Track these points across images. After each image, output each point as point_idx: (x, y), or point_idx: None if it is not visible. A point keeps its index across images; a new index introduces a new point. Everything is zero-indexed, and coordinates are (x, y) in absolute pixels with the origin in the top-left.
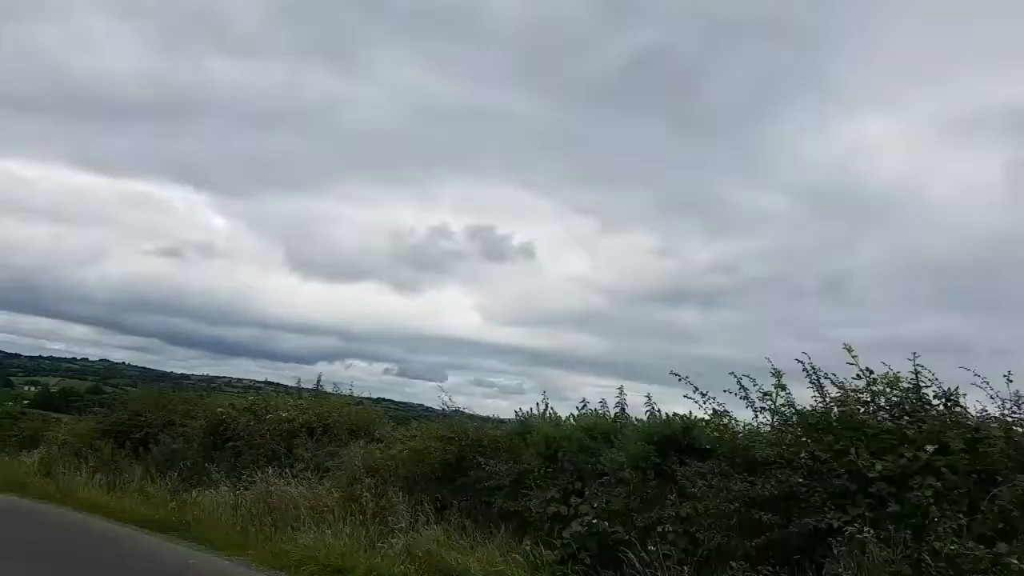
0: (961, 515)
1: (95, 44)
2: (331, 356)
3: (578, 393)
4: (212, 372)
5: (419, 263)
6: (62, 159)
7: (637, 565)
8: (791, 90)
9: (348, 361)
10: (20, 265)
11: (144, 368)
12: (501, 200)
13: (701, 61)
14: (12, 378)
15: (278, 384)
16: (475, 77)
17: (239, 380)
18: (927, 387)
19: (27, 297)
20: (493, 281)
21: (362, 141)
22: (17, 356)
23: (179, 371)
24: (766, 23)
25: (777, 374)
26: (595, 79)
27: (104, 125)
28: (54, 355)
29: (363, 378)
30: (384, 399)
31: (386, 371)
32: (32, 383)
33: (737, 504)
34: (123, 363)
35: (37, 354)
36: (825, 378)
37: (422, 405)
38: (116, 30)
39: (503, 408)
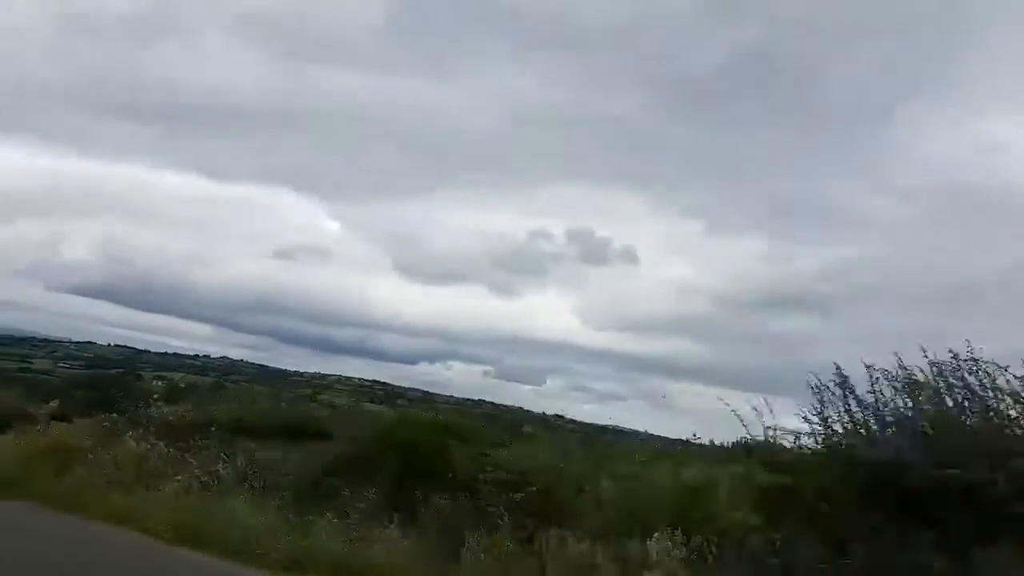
0: None
1: (211, 56)
2: (431, 357)
3: (679, 401)
4: (321, 370)
5: (518, 266)
6: (182, 165)
7: None
8: (910, 89)
9: (448, 363)
10: (145, 266)
11: (260, 365)
12: (602, 203)
13: (810, 59)
14: (142, 373)
15: (385, 384)
16: (575, 79)
17: (348, 379)
18: None
19: (152, 296)
20: (592, 285)
21: (464, 147)
22: (145, 352)
23: (292, 368)
24: (879, 21)
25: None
26: (699, 78)
27: (222, 133)
28: (178, 351)
29: (462, 380)
30: (484, 401)
31: (485, 373)
32: (159, 378)
33: None
34: (241, 360)
35: (163, 351)
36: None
37: (521, 408)
38: (231, 43)
39: (600, 414)
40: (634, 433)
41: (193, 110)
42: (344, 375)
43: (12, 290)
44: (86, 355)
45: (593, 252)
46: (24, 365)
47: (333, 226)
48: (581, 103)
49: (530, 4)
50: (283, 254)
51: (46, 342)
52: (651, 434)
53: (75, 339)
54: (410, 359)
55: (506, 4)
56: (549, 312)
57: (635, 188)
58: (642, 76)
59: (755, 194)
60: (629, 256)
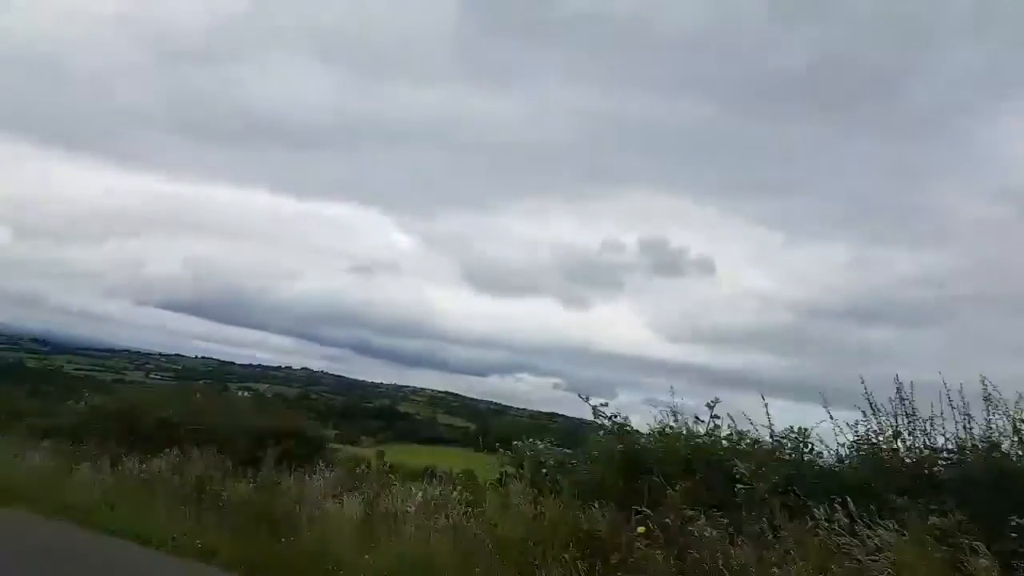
0: None
1: (286, 76)
2: (501, 369)
3: (755, 416)
4: (397, 381)
5: (588, 278)
6: (262, 184)
7: None
8: (999, 89)
9: (518, 375)
10: (229, 281)
11: (339, 376)
12: (676, 212)
13: (896, 60)
14: (229, 384)
15: (458, 395)
16: (649, 87)
17: (421, 390)
18: None
19: (236, 310)
20: (665, 296)
21: (534, 157)
22: (232, 364)
23: (370, 380)
24: (967, 19)
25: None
26: (778, 83)
27: (299, 151)
28: (262, 363)
29: (532, 392)
30: (556, 414)
31: (555, 386)
32: (245, 388)
33: None
34: (321, 372)
35: (248, 362)
36: None
37: (593, 422)
38: (305, 62)
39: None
40: None
41: (271, 130)
42: (418, 387)
43: (105, 306)
44: (175, 367)
45: (667, 263)
46: (118, 377)
47: (404, 240)
48: (654, 111)
49: (600, 11)
50: (359, 268)
51: (137, 355)
52: None
53: (164, 352)
54: (480, 371)
55: (574, 12)
56: (620, 324)
57: (711, 196)
58: (716, 81)
59: (837, 200)
60: (706, 266)
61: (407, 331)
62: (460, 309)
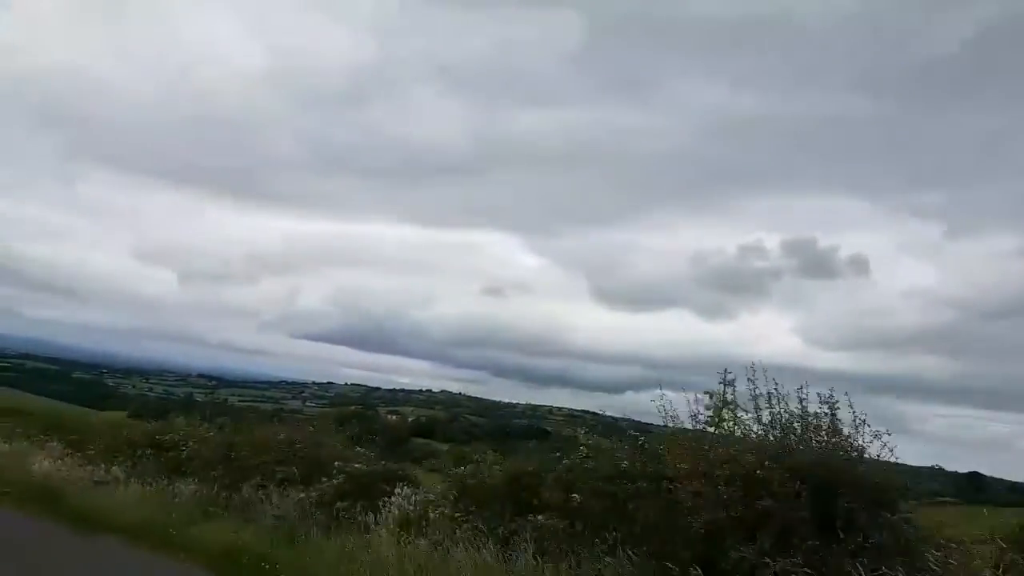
0: None
1: (417, 111)
2: (636, 385)
3: (923, 425)
4: (532, 401)
5: (727, 286)
6: (400, 217)
7: None
8: None
9: (655, 391)
10: (372, 311)
11: (478, 398)
12: (822, 211)
13: None
14: (377, 408)
15: (595, 414)
16: (783, 84)
17: (559, 408)
18: None
19: (379, 338)
20: (815, 300)
21: (660, 168)
22: (377, 389)
23: (506, 400)
24: None
25: None
26: (927, 69)
27: (432, 183)
28: (404, 387)
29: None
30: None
31: (696, 400)
32: (393, 412)
33: None
34: (459, 393)
35: (391, 387)
36: None
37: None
38: (437, 103)
39: None
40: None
41: (405, 164)
42: (555, 405)
43: (261, 340)
44: (328, 395)
45: (816, 264)
46: (278, 407)
47: (533, 260)
48: (789, 106)
49: (726, 9)
50: (491, 291)
51: (293, 384)
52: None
53: (316, 380)
54: (615, 388)
55: (698, 13)
56: (765, 333)
57: (860, 192)
58: (861, 71)
59: (1002, 187)
60: (859, 265)
61: (540, 350)
62: (593, 326)
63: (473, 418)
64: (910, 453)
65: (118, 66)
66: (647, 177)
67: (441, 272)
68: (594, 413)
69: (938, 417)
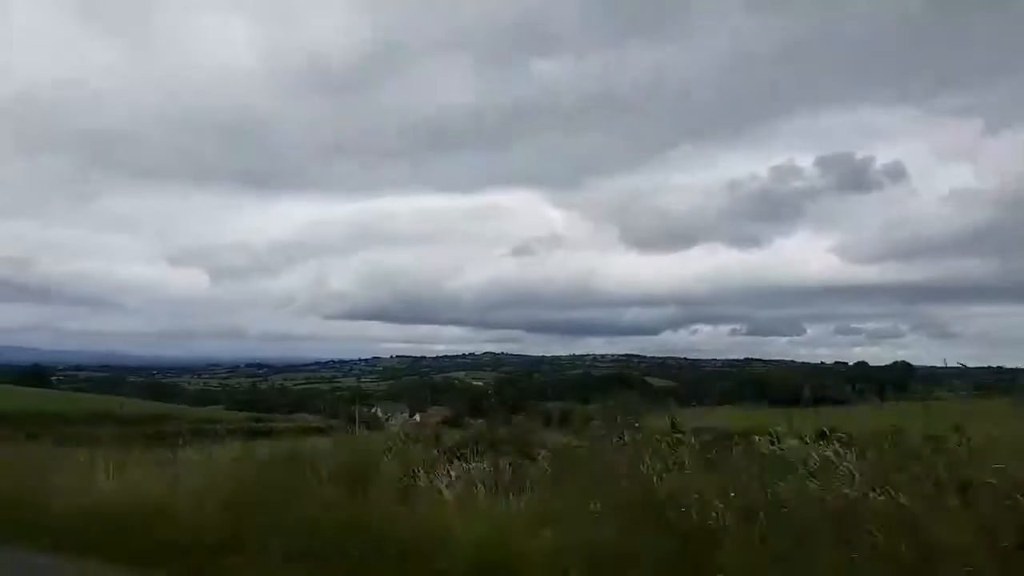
0: None
1: (430, 80)
2: (674, 324)
3: (965, 327)
4: (574, 352)
5: (759, 213)
6: (422, 189)
7: None
8: None
9: (693, 327)
10: (403, 284)
11: (519, 355)
12: (854, 123)
13: None
14: (431, 376)
15: (641, 356)
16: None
17: (603, 356)
18: None
19: (413, 309)
20: (852, 215)
21: (684, 102)
22: (423, 358)
23: (549, 354)
24: None
25: None
26: None
27: (451, 151)
28: (446, 354)
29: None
30: (752, 359)
31: (733, 332)
32: (449, 378)
33: None
34: (502, 353)
35: (434, 355)
36: None
37: (783, 360)
38: (445, 67)
39: (876, 355)
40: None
41: (422, 136)
42: (597, 353)
43: (298, 325)
44: (377, 369)
45: (853, 178)
46: (335, 384)
47: (559, 215)
48: (810, 23)
49: None
50: (520, 250)
51: (342, 363)
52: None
53: (363, 357)
54: (651, 330)
55: None
56: (802, 255)
57: (891, 98)
58: None
59: None
60: (896, 173)
61: (573, 302)
62: (624, 272)
63: (535, 376)
64: (959, 356)
65: (116, 75)
66: (671, 115)
67: (469, 238)
68: (641, 356)
69: (979, 316)
